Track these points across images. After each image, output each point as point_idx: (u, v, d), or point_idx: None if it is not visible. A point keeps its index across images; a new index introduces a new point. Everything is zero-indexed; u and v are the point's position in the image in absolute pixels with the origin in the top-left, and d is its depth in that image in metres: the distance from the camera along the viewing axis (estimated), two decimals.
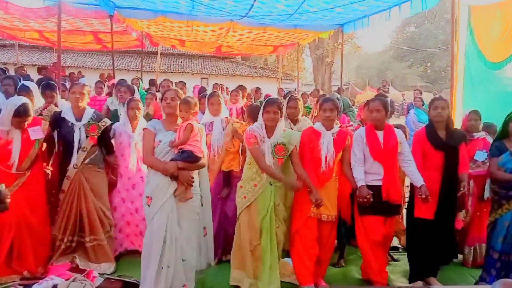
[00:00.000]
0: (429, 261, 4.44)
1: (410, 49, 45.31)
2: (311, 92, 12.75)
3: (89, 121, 4.49)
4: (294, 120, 5.12)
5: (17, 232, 4.18)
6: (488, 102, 6.10)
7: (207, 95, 5.23)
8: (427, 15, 45.26)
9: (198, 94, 11.06)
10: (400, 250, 5.43)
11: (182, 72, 23.95)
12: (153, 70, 19.48)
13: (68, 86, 9.56)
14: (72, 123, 4.46)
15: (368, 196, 4.05)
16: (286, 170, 4.20)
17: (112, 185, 4.88)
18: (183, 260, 3.81)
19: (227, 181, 4.93)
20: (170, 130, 3.85)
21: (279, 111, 4.00)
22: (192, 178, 3.80)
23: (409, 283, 4.55)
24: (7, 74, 7.88)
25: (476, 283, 4.47)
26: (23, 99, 4.22)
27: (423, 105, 10.87)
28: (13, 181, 4.12)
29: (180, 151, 3.79)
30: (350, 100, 17.21)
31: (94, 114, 4.57)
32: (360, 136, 4.29)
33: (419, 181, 4.18)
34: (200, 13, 9.20)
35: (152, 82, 12.10)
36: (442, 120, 4.33)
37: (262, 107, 4.09)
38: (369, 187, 4.18)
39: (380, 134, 4.26)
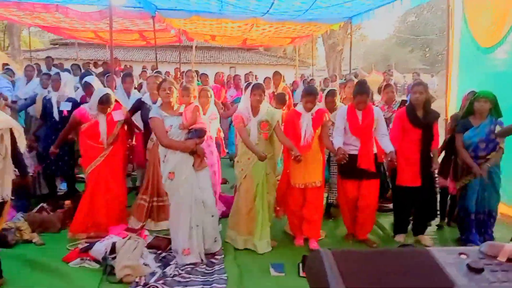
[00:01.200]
0: (409, 218, 4.67)
1: (411, 36, 44.00)
2: (329, 77, 12.59)
3: None
4: (332, 109, 4.96)
5: (98, 196, 4.42)
6: (480, 83, 5.83)
7: (253, 86, 5.25)
8: (426, 6, 43.65)
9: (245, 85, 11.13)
10: None
11: (214, 63, 23.91)
12: (189, 61, 19.45)
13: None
14: (150, 106, 4.72)
15: (343, 153, 4.05)
16: (273, 143, 4.35)
17: None
18: (212, 216, 3.97)
19: None
20: (174, 115, 3.90)
21: (262, 94, 4.11)
22: (204, 149, 3.99)
23: (394, 234, 4.71)
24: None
25: (461, 242, 4.45)
26: (107, 90, 4.47)
27: None
28: (100, 153, 4.41)
29: (193, 130, 3.88)
30: (357, 77, 16.94)
31: None
32: (342, 113, 4.37)
33: (389, 148, 4.25)
34: (227, 11, 9.15)
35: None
36: (419, 102, 4.37)
37: (249, 90, 4.15)
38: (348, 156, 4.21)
39: (359, 113, 4.32)
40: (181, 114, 3.95)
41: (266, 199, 4.22)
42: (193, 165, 3.87)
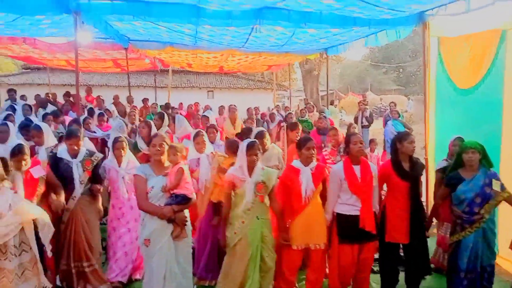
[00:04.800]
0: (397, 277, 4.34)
1: (384, 58, 44.98)
2: (306, 106, 12.44)
3: (84, 157, 4.26)
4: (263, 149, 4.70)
5: None
6: (458, 124, 5.78)
7: (193, 135, 4.97)
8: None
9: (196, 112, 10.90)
10: None
11: (191, 87, 23.60)
12: (166, 86, 19.10)
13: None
14: (68, 160, 4.20)
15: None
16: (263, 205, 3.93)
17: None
18: None
19: (216, 210, 4.59)
20: (160, 175, 3.57)
21: (258, 153, 3.80)
22: (186, 218, 3.59)
23: None
24: None
25: None
26: (19, 140, 4.04)
27: (399, 116, 10.61)
28: None
29: (174, 195, 3.52)
30: (333, 104, 16.88)
31: (87, 151, 4.36)
32: (336, 172, 4.02)
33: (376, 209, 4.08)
34: (202, 44, 8.93)
35: (167, 106, 11.69)
36: (413, 153, 4.15)
37: (244, 149, 3.80)
38: (347, 217, 3.93)
39: (357, 168, 3.99)
40: (165, 174, 3.59)
41: (258, 264, 3.80)
42: (171, 234, 3.52)
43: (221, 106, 11.06)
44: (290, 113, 9.21)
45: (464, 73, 5.74)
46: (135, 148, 5.54)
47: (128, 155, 4.61)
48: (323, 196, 4.08)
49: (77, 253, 4.13)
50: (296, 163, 4.04)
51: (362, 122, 12.23)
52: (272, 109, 12.02)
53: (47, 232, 3.13)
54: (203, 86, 24.18)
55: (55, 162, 4.23)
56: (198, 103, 12.05)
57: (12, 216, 2.83)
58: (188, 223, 3.69)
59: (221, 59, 11.46)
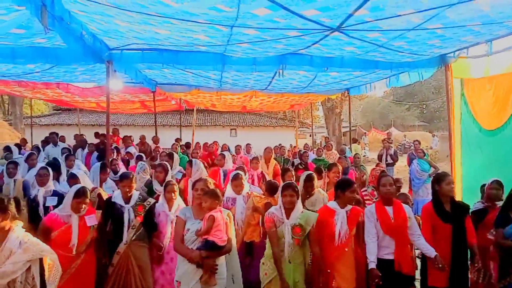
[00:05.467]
0: None
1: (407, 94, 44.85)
2: (325, 145, 12.44)
3: (136, 202, 4.30)
4: (310, 194, 4.76)
5: None
6: (485, 164, 5.71)
7: (232, 177, 5.00)
8: None
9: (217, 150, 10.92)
10: None
11: (214, 125, 24.04)
12: (190, 124, 19.53)
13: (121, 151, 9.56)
14: (121, 205, 4.27)
15: (377, 280, 3.68)
16: (304, 247, 3.85)
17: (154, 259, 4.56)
18: None
19: (249, 250, 4.61)
20: (198, 219, 3.61)
21: (295, 194, 3.74)
22: (217, 265, 3.53)
23: None
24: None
25: None
26: (83, 185, 4.12)
27: (424, 155, 10.46)
28: (69, 265, 3.83)
29: (205, 240, 3.54)
30: (357, 141, 16.80)
31: (139, 196, 4.39)
32: (371, 212, 3.97)
33: (431, 252, 3.83)
34: (226, 86, 9.20)
35: (187, 145, 11.89)
36: (453, 194, 4.10)
37: (280, 189, 3.84)
38: (382, 261, 3.82)
39: (389, 209, 3.93)
40: (202, 219, 3.62)
41: None
42: (200, 279, 3.50)
43: (238, 145, 11.02)
44: (305, 152, 9.19)
45: (489, 114, 5.72)
46: (150, 191, 5.46)
47: (178, 199, 4.60)
48: (355, 239, 4.02)
49: None
50: (332, 204, 4.01)
51: (386, 160, 12.07)
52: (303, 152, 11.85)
53: (56, 273, 3.11)
54: (226, 124, 24.56)
55: (109, 207, 4.34)
56: (217, 142, 12.24)
57: (21, 254, 2.86)
58: (222, 273, 3.62)
59: (245, 99, 11.72)
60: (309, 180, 4.78)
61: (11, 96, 20.65)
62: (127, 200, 4.30)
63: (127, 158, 9.05)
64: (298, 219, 3.75)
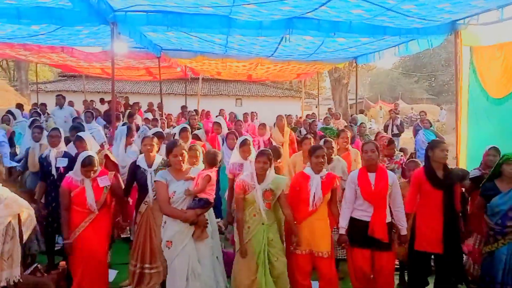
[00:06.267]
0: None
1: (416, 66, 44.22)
2: (332, 114, 12.41)
3: (158, 166, 4.44)
4: (329, 160, 4.73)
5: (85, 264, 4.10)
6: (491, 134, 5.69)
7: (240, 143, 5.05)
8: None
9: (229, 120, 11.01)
10: None
11: (220, 95, 23.92)
12: (195, 93, 19.48)
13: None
14: (144, 169, 4.44)
15: (343, 245, 3.91)
16: (276, 210, 4.03)
17: None
18: None
19: None
20: (181, 179, 3.72)
21: (268, 161, 3.87)
22: (207, 220, 3.74)
23: None
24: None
25: None
26: (89, 152, 4.24)
27: (430, 126, 10.43)
28: (84, 218, 4.12)
29: (196, 199, 3.67)
30: (363, 112, 16.78)
31: (162, 161, 4.53)
32: (352, 178, 4.07)
33: (403, 228, 3.98)
34: (232, 53, 9.13)
35: (196, 112, 11.91)
36: (446, 161, 4.10)
37: (255, 157, 3.94)
38: (357, 221, 3.96)
39: (372, 176, 3.99)
40: (190, 179, 3.74)
41: (268, 268, 3.87)
42: (192, 235, 3.65)
43: (245, 113, 11.10)
44: (314, 120, 9.19)
45: (498, 82, 5.67)
46: None
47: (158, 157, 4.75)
48: (328, 204, 4.13)
49: (142, 255, 4.33)
50: (308, 170, 4.14)
51: (392, 131, 12.07)
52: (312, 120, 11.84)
53: (29, 225, 3.35)
54: (232, 94, 24.45)
55: (133, 169, 4.56)
56: (223, 110, 12.30)
57: (2, 209, 3.06)
58: (209, 226, 3.82)
59: (250, 67, 11.64)
60: (327, 147, 4.76)
61: (17, 62, 20.64)
62: (150, 164, 4.48)
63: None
64: (269, 184, 3.89)
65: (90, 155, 4.15)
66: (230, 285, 4.12)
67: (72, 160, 4.82)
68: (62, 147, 5.01)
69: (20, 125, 7.60)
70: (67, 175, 4.27)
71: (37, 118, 7.63)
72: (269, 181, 3.90)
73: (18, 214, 3.18)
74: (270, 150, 4.06)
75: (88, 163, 4.06)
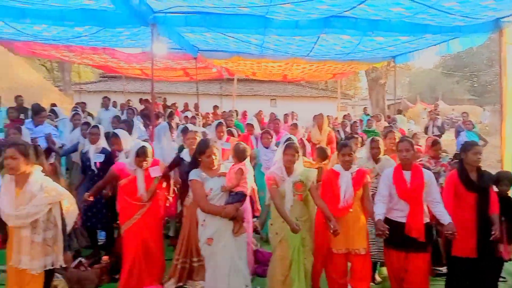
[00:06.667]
0: None
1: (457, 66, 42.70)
2: (373, 116, 12.19)
3: None
4: (376, 159, 4.68)
5: (137, 254, 4.29)
6: None
7: (285, 146, 5.09)
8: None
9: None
10: None
11: (255, 95, 24.00)
12: (230, 94, 19.68)
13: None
14: (188, 162, 4.56)
15: (383, 229, 3.70)
16: (308, 204, 4.05)
17: None
18: (246, 286, 3.82)
19: None
20: (214, 176, 3.79)
21: (296, 154, 3.89)
22: (244, 213, 3.84)
23: None
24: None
25: None
26: (144, 143, 4.44)
27: (473, 127, 10.08)
28: (137, 211, 4.30)
29: (233, 193, 3.74)
30: (401, 113, 16.42)
31: None
32: (387, 176, 4.00)
33: (446, 219, 3.81)
34: (268, 53, 9.15)
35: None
36: (478, 164, 4.03)
37: (282, 150, 3.97)
38: (393, 222, 3.87)
39: (407, 174, 3.92)
40: (223, 174, 3.82)
41: (302, 265, 3.90)
42: (232, 231, 3.72)
43: (286, 114, 11.24)
44: (355, 122, 9.06)
45: None
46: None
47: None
48: (361, 200, 4.07)
49: (189, 249, 4.45)
50: (337, 167, 4.11)
51: (433, 132, 11.73)
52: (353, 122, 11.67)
53: (72, 214, 3.47)
54: (267, 94, 24.49)
55: (177, 161, 4.83)
56: (262, 111, 12.40)
57: (42, 197, 3.16)
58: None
59: (286, 67, 11.63)
60: (374, 146, 4.71)
61: (61, 63, 21.55)
62: None
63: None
64: (299, 176, 3.90)
65: (144, 146, 4.33)
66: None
67: (108, 156, 5.09)
68: (102, 143, 5.27)
69: (61, 122, 7.94)
70: (120, 161, 4.53)
71: (78, 112, 8.06)
72: (298, 173, 3.92)
73: (60, 203, 3.31)
74: (296, 143, 4.11)
75: (141, 153, 4.25)
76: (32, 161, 3.19)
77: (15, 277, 3.19)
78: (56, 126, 7.52)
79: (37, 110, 6.15)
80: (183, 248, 4.46)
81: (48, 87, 20.86)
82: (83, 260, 4.84)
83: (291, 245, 3.87)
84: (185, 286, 4.47)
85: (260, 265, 4.93)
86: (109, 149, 5.28)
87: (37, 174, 3.21)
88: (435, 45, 7.85)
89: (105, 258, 4.98)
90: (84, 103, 11.93)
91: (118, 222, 4.95)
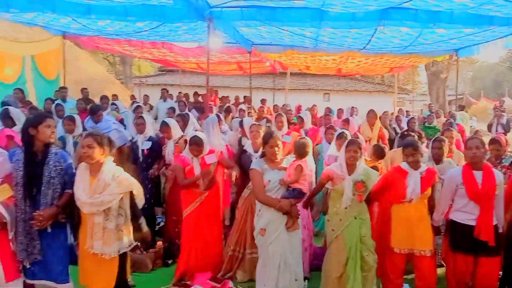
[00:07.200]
0: None
1: None
2: (434, 112, 11.66)
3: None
4: (437, 160, 4.51)
5: (194, 243, 4.43)
6: None
7: (336, 136, 5.13)
8: None
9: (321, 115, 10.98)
10: None
11: (308, 89, 23.78)
12: (283, 88, 19.63)
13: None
14: (250, 154, 4.72)
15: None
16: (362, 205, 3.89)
17: None
18: (296, 280, 3.79)
19: None
20: (275, 169, 3.79)
21: (358, 150, 3.75)
22: (299, 210, 3.77)
23: None
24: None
25: None
26: (196, 132, 4.60)
27: None
28: (196, 198, 4.44)
29: (291, 189, 3.72)
30: (464, 109, 15.53)
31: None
32: (453, 177, 3.78)
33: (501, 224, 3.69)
34: (322, 46, 9.05)
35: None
36: None
37: (345, 146, 3.84)
38: (462, 226, 3.68)
39: (478, 174, 3.66)
40: (283, 168, 3.82)
41: (359, 263, 3.79)
42: (285, 225, 3.73)
43: (340, 109, 11.03)
44: (413, 117, 8.70)
45: None
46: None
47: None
48: (429, 201, 3.92)
49: (243, 239, 4.53)
50: (405, 165, 3.91)
51: (497, 130, 11.02)
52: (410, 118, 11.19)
53: (139, 203, 3.61)
54: (320, 88, 24.15)
55: (240, 153, 4.99)
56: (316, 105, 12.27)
57: (115, 187, 3.32)
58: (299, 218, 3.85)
59: (340, 61, 11.44)
60: (435, 146, 4.55)
61: (122, 57, 22.56)
62: (256, 149, 4.70)
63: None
64: (361, 176, 3.75)
65: (197, 135, 4.47)
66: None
67: (156, 143, 5.41)
68: (149, 132, 5.54)
69: (125, 115, 8.32)
70: (180, 154, 4.66)
71: (140, 105, 8.47)
72: (360, 172, 3.78)
73: (131, 192, 3.48)
74: (359, 140, 4.00)
75: (193, 142, 4.39)
76: (106, 152, 3.37)
77: (89, 261, 3.38)
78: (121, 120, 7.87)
79: (95, 111, 6.58)
80: (236, 237, 4.54)
81: (110, 80, 21.90)
82: (138, 244, 5.08)
83: (348, 243, 3.79)
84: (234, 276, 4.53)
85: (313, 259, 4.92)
86: (154, 136, 5.58)
87: (109, 164, 3.39)
88: (501, 37, 7.38)
89: (159, 243, 5.20)
90: (147, 95, 12.54)
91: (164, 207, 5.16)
